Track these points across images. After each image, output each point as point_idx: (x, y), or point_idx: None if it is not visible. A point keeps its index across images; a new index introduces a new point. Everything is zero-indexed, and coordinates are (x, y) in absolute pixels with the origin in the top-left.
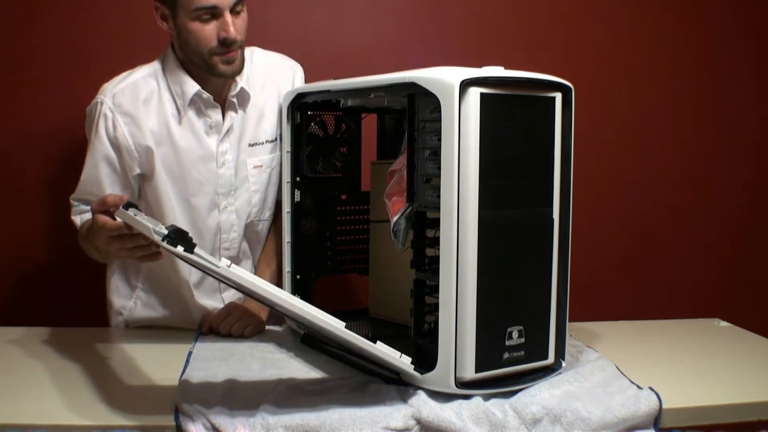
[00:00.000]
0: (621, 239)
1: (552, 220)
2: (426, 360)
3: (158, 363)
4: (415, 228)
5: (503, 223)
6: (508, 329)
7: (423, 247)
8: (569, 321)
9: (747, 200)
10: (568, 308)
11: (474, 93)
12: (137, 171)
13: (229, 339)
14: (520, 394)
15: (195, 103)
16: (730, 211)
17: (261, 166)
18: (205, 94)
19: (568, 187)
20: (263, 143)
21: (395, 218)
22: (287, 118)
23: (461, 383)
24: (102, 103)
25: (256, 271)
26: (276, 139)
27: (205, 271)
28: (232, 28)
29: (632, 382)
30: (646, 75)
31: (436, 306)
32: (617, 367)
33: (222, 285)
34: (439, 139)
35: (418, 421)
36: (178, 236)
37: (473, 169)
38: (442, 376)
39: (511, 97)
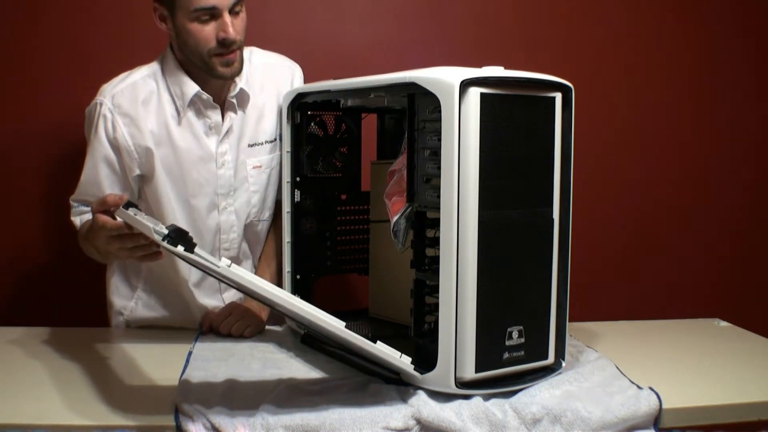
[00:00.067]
0: (621, 239)
1: (552, 220)
2: (426, 360)
3: (158, 363)
4: (415, 228)
5: (503, 223)
6: (508, 329)
7: (423, 247)
8: (569, 321)
9: (747, 200)
10: (568, 308)
11: (474, 93)
12: (137, 172)
13: (229, 339)
14: (520, 394)
15: (194, 104)
16: (730, 211)
17: (260, 166)
18: (205, 95)
19: (568, 187)
20: (262, 144)
21: (395, 218)
22: (287, 118)
23: (461, 383)
24: (101, 104)
25: (257, 271)
26: (275, 139)
27: (206, 271)
28: (231, 29)
29: (632, 382)
30: (646, 75)
31: (436, 306)
32: (617, 367)
33: (222, 285)
34: (439, 139)
35: (418, 421)
36: (178, 236)
37: (473, 169)
38: (442, 376)
39: (511, 97)
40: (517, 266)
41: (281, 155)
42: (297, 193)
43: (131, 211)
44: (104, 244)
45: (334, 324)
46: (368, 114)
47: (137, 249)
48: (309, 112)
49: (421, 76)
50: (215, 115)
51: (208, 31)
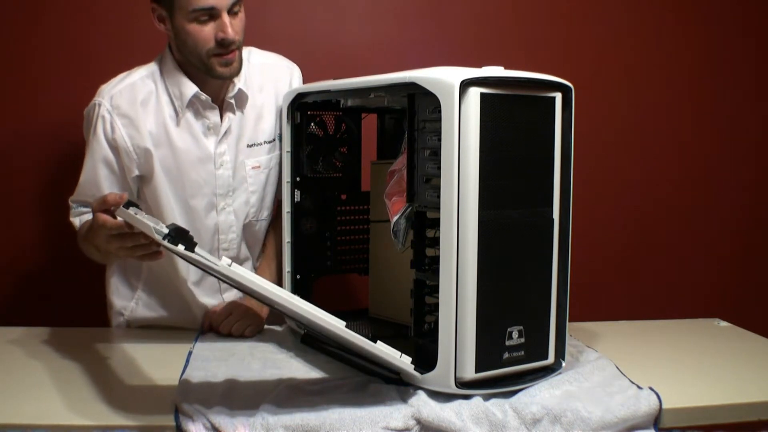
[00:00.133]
0: (621, 239)
1: (552, 220)
2: (426, 360)
3: (158, 363)
4: (415, 228)
5: (503, 223)
6: (508, 329)
7: (423, 247)
8: (569, 321)
9: (747, 200)
10: (568, 308)
11: (474, 93)
12: (136, 173)
13: (229, 339)
14: (520, 394)
15: (193, 104)
16: (730, 211)
17: (259, 166)
18: (203, 96)
19: (568, 187)
20: (261, 144)
21: (395, 218)
22: (287, 118)
23: (461, 383)
24: (100, 105)
25: (256, 271)
26: (274, 139)
27: (206, 270)
28: (230, 29)
29: (632, 382)
30: (646, 75)
31: (436, 306)
32: (617, 367)
33: (223, 284)
34: (439, 139)
35: (418, 421)
36: (178, 235)
37: (473, 169)
38: (442, 376)
39: (511, 97)
40: (517, 266)
41: (280, 155)
42: (297, 193)
43: (132, 210)
44: (104, 243)
45: (334, 324)
46: (368, 114)
47: (137, 248)
48: (309, 112)
49: (421, 76)
50: (214, 116)
51: (206, 32)
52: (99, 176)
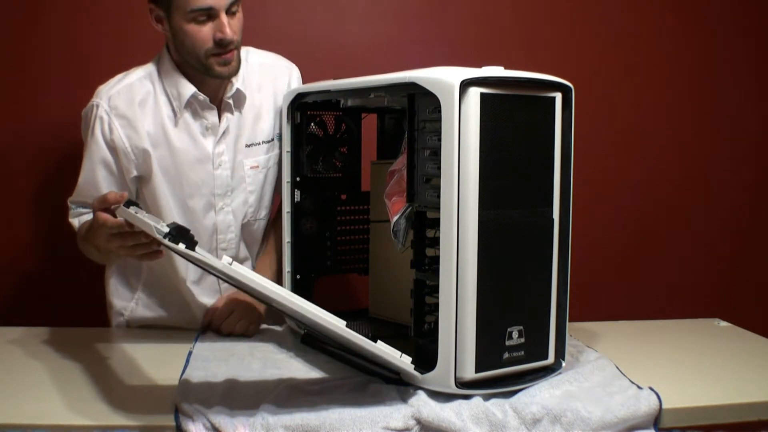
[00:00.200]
0: (621, 239)
1: (552, 220)
2: (426, 360)
3: (158, 363)
4: (415, 228)
5: (503, 223)
6: (508, 329)
7: (423, 247)
8: (569, 321)
9: (747, 200)
10: (568, 308)
11: (474, 93)
12: (134, 173)
13: (229, 339)
14: (520, 394)
15: (191, 104)
16: (730, 211)
17: (257, 166)
18: (201, 96)
19: (568, 187)
20: (260, 144)
21: (395, 218)
22: (287, 118)
23: (461, 383)
24: (98, 106)
25: (256, 266)
26: (272, 139)
27: (206, 269)
28: (228, 29)
29: (632, 382)
30: (646, 75)
31: (436, 306)
32: (617, 367)
33: (222, 284)
34: (439, 139)
35: (418, 421)
36: (179, 234)
37: (473, 169)
38: (442, 376)
39: (511, 97)
40: (517, 266)
41: (279, 154)
42: (297, 193)
43: (132, 210)
44: (104, 242)
45: (334, 323)
46: (368, 114)
47: (138, 247)
48: (309, 112)
49: (421, 76)
50: (212, 116)
51: (205, 32)
52: (98, 177)
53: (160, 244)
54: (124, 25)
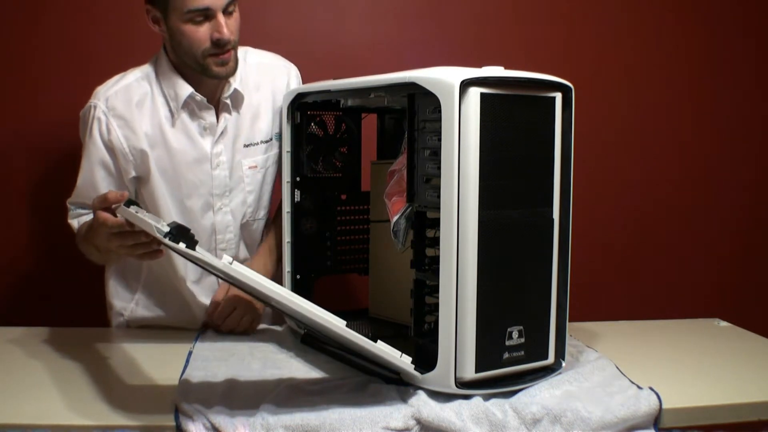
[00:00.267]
0: (621, 239)
1: (552, 220)
2: (426, 360)
3: (158, 363)
4: (415, 228)
5: (503, 223)
6: (508, 329)
7: (423, 247)
8: (569, 321)
9: (747, 200)
10: (568, 308)
11: (474, 93)
12: (132, 174)
13: (229, 339)
14: (520, 394)
15: (188, 105)
16: (730, 211)
17: (256, 166)
18: (199, 96)
19: (568, 187)
20: (258, 143)
21: (395, 218)
22: (287, 118)
23: (461, 383)
24: (95, 107)
25: (255, 256)
26: (271, 139)
27: (207, 269)
28: (225, 29)
29: (632, 382)
30: (646, 75)
31: (436, 306)
32: (617, 367)
33: (222, 284)
34: (439, 139)
35: (418, 421)
36: (180, 233)
37: (473, 169)
38: (442, 376)
39: (511, 97)
40: (517, 266)
41: (278, 154)
42: (297, 193)
43: (132, 209)
44: (105, 242)
45: (334, 323)
46: (368, 114)
47: (138, 246)
48: (309, 112)
49: (421, 76)
50: (209, 116)
51: (202, 32)
52: (96, 178)
53: (160, 243)
54: (124, 25)
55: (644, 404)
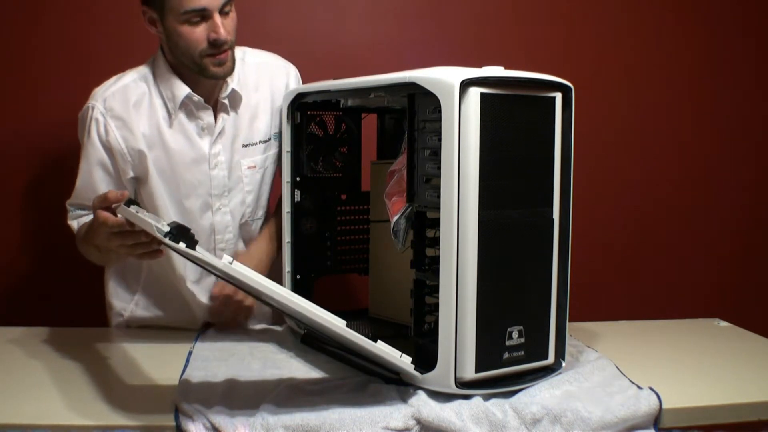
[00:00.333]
0: (621, 239)
1: (552, 220)
2: (426, 360)
3: (158, 363)
4: (415, 228)
5: (503, 223)
6: (508, 329)
7: (423, 247)
8: (569, 321)
9: (747, 200)
10: (568, 308)
11: (474, 93)
12: (131, 174)
13: (229, 339)
14: (520, 394)
15: (186, 105)
16: (730, 211)
17: (255, 166)
18: (196, 97)
19: (568, 187)
20: (257, 143)
21: (395, 218)
22: (287, 118)
23: (461, 383)
24: (93, 108)
25: (255, 241)
26: (269, 138)
27: (207, 268)
28: (222, 29)
29: (632, 382)
30: (646, 75)
31: (436, 306)
32: (617, 367)
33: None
34: (439, 139)
35: (418, 421)
36: (180, 233)
37: (473, 169)
38: (442, 376)
39: (511, 97)
40: (517, 266)
41: (277, 154)
42: (297, 193)
43: (133, 209)
44: (105, 241)
45: (335, 323)
46: (368, 114)
47: (138, 246)
48: (309, 112)
49: (421, 76)
50: (207, 117)
51: (198, 33)
52: (95, 179)
53: (160, 243)
54: (124, 25)
55: (644, 404)
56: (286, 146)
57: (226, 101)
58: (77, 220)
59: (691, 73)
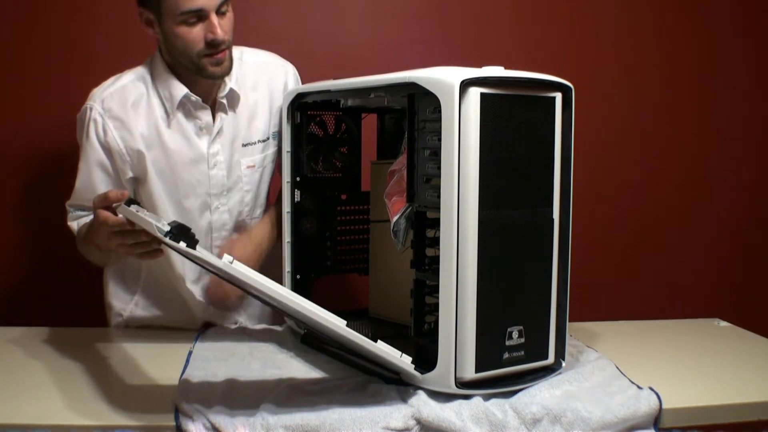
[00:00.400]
0: (621, 239)
1: (552, 220)
2: (426, 360)
3: (158, 363)
4: (415, 228)
5: (503, 223)
6: (508, 329)
7: (423, 247)
8: (569, 321)
9: (747, 200)
10: (568, 308)
11: (474, 93)
12: (130, 174)
13: (229, 339)
14: (520, 394)
15: (184, 105)
16: (730, 211)
17: (254, 166)
18: (194, 97)
19: (568, 187)
20: (255, 143)
21: (395, 218)
22: (287, 118)
23: (461, 383)
24: (91, 109)
25: (257, 225)
26: (268, 138)
27: (206, 268)
28: (219, 30)
29: (632, 382)
30: (646, 75)
31: (436, 306)
32: (617, 367)
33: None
34: (439, 139)
35: (418, 421)
36: (180, 232)
37: (473, 169)
38: (442, 376)
39: (511, 97)
40: (517, 266)
41: (275, 153)
42: (297, 193)
43: (133, 208)
44: (105, 241)
45: (335, 322)
46: (368, 114)
47: (138, 245)
48: (309, 112)
49: (421, 76)
50: (205, 116)
51: (195, 33)
52: (94, 180)
53: (160, 242)
54: (124, 25)
55: (644, 404)
56: (286, 146)
57: (224, 101)
58: (77, 221)
59: (691, 73)
